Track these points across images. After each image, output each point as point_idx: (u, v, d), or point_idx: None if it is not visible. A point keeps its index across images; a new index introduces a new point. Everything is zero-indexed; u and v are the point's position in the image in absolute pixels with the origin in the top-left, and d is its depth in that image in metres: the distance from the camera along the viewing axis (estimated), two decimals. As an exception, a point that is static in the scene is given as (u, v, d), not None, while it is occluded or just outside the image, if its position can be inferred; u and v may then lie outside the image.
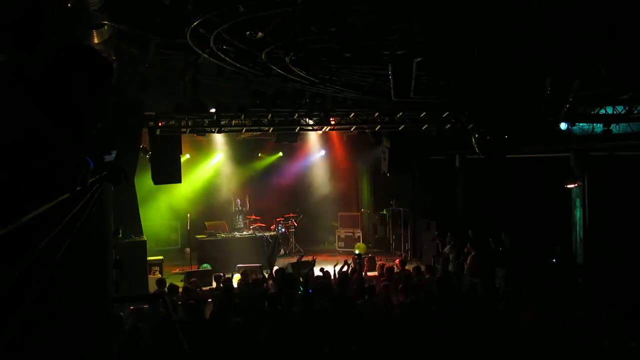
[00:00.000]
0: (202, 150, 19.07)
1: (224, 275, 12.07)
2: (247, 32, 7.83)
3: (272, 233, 17.67)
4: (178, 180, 14.58)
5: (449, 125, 15.41)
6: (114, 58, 9.17)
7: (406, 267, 12.69)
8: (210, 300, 11.03)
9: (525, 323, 8.45)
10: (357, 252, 16.63)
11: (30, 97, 1.38)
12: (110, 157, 3.31)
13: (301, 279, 11.11)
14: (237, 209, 18.12)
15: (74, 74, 1.57)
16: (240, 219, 17.95)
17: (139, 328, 8.27)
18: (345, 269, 12.17)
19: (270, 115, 14.22)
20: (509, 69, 9.19)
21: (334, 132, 18.68)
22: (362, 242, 18.80)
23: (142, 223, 13.85)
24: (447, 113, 14.74)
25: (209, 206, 18.83)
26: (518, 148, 12.34)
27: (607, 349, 7.34)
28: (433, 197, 17.95)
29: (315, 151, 20.55)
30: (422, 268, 12.71)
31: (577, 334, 7.87)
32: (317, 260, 14.31)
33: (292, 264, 14.76)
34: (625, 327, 7.67)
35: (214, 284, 11.56)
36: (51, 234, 1.07)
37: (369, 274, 14.44)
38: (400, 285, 10.37)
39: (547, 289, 11.10)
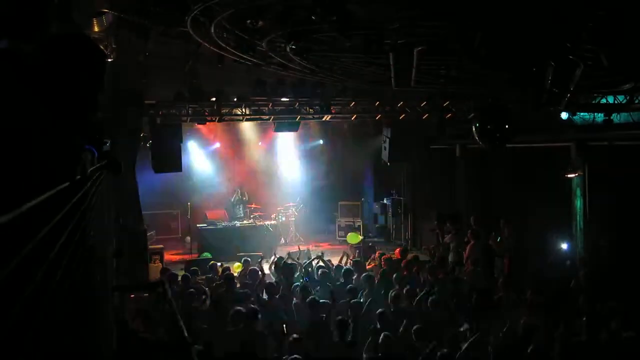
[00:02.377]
0: (203, 138, 19.08)
1: (222, 264, 12.10)
2: (248, 21, 7.80)
3: (272, 222, 17.69)
4: (178, 169, 14.59)
5: (449, 115, 15.38)
6: (114, 46, 9.15)
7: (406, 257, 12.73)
8: (208, 289, 11.05)
9: (524, 313, 8.48)
10: (352, 242, 16.68)
11: (29, 84, 1.38)
12: (106, 147, 3.30)
13: (302, 269, 11.13)
14: (237, 198, 18.09)
15: (68, 61, 1.56)
16: (241, 209, 17.94)
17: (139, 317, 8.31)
18: (344, 260, 12.19)
19: (271, 104, 14.21)
20: (510, 58, 9.16)
21: (334, 121, 18.64)
22: (361, 232, 18.77)
23: (142, 211, 13.86)
24: (447, 102, 14.71)
25: (209, 195, 18.84)
26: (519, 137, 12.31)
27: (605, 339, 7.38)
28: (433, 186, 17.95)
29: (316, 140, 20.54)
30: (422, 258, 12.73)
31: (576, 324, 7.90)
32: (316, 251, 14.33)
33: (292, 253, 14.78)
34: (623, 318, 7.70)
35: (211, 274, 11.60)
36: (51, 224, 1.07)
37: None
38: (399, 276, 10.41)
39: (546, 278, 11.14)
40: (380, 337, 7.27)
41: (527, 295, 9.28)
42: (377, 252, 14.00)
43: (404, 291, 9.44)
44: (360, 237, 17.91)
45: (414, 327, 7.66)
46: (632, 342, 7.03)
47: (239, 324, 7.86)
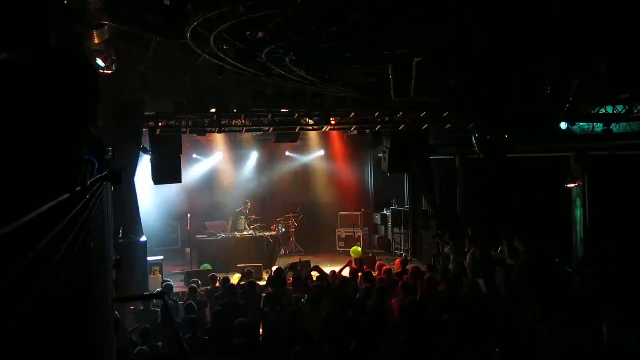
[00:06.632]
0: (204, 149, 19.09)
1: (219, 277, 12.04)
2: (248, 33, 7.83)
3: (272, 233, 17.65)
4: (178, 180, 14.60)
5: (449, 125, 15.40)
6: (114, 58, 9.17)
7: (406, 268, 12.69)
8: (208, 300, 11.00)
9: (527, 323, 8.45)
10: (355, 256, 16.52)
11: (28, 95, 1.38)
12: (108, 156, 3.30)
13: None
14: (240, 210, 17.96)
15: (60, 75, 1.56)
16: (243, 221, 17.82)
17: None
18: (347, 270, 12.14)
19: (270, 115, 14.23)
20: (509, 68, 9.20)
21: (334, 132, 18.68)
22: (361, 243, 18.72)
23: (142, 223, 13.84)
24: (447, 113, 14.73)
25: (209, 206, 18.81)
26: (518, 148, 12.32)
27: (606, 347, 7.35)
28: (433, 197, 17.94)
29: (316, 151, 20.54)
30: (422, 268, 12.68)
31: (578, 333, 7.87)
32: (316, 261, 14.29)
33: (292, 264, 14.76)
34: (625, 326, 7.67)
35: (210, 286, 11.58)
36: (51, 235, 1.06)
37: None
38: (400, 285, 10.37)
39: (549, 288, 11.10)
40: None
41: (530, 304, 9.25)
42: (377, 263, 13.97)
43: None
44: (360, 250, 17.81)
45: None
46: (634, 349, 7.01)
47: (241, 335, 7.83)
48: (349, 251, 17.43)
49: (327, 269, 12.29)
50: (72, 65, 1.62)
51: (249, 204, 18.04)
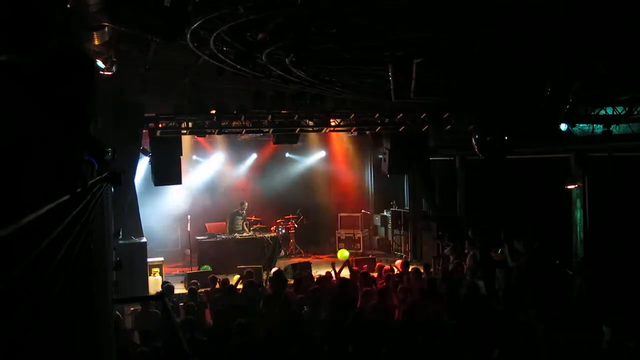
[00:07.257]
0: (204, 151, 19.08)
1: (219, 278, 12.04)
2: (248, 34, 7.83)
3: (272, 234, 17.63)
4: (178, 181, 14.60)
5: (449, 126, 15.39)
6: (114, 59, 9.18)
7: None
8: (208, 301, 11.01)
9: (526, 324, 8.44)
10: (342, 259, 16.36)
11: (29, 97, 1.38)
12: (107, 156, 3.30)
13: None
14: (236, 210, 17.89)
15: (60, 75, 1.56)
16: (240, 222, 17.75)
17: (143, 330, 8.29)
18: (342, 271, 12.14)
19: (270, 116, 14.23)
20: (509, 68, 9.20)
21: (334, 133, 18.67)
22: (360, 245, 18.72)
23: (142, 224, 13.84)
24: (447, 114, 14.73)
25: (209, 207, 18.78)
26: (518, 149, 12.32)
27: (605, 349, 7.34)
28: (433, 198, 17.93)
29: (316, 152, 20.52)
30: (422, 270, 12.68)
31: (576, 334, 7.87)
32: (316, 262, 14.27)
33: (292, 265, 14.77)
34: (625, 327, 7.66)
35: (210, 287, 11.58)
36: (51, 236, 1.07)
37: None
38: (399, 287, 10.36)
39: (549, 290, 11.10)
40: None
41: (529, 305, 9.24)
42: (376, 264, 13.97)
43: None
44: (347, 253, 17.46)
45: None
46: (634, 351, 7.01)
47: (240, 336, 7.83)
48: (349, 252, 17.37)
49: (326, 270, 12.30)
50: (72, 66, 1.62)
51: (246, 204, 17.96)
